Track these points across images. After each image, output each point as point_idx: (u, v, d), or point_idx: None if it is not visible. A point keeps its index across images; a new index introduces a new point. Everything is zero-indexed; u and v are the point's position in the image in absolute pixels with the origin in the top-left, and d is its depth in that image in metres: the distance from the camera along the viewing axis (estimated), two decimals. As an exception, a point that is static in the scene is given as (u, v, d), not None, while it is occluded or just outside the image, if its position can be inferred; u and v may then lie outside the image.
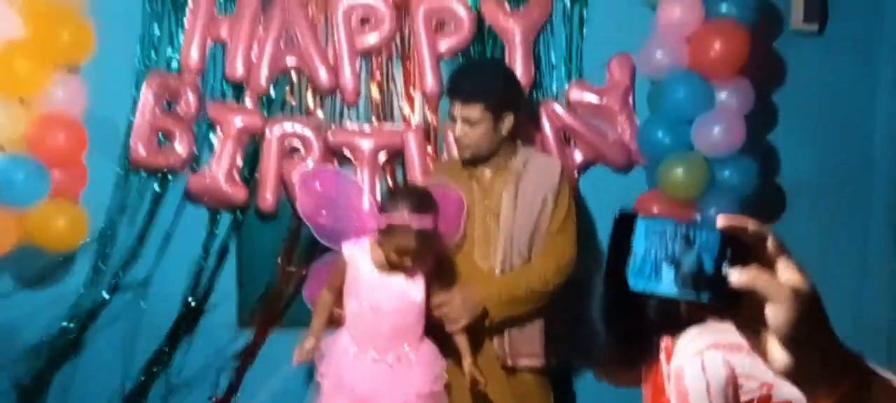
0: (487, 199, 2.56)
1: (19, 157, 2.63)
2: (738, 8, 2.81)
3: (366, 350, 2.32)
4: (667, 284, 0.69)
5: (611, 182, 3.07)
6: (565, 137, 3.02)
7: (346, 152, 2.92)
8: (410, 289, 2.33)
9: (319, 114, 2.97)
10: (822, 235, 3.20)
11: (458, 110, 2.50)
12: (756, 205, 3.05)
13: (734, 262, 0.68)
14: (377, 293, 2.33)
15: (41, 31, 2.64)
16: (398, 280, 2.33)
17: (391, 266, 2.30)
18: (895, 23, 3.16)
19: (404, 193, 2.44)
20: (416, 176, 2.89)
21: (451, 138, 2.81)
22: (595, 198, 3.04)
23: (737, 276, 0.67)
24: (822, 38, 3.13)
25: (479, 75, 2.61)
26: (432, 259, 2.39)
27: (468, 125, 2.49)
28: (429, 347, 2.40)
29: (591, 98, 3.01)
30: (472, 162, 2.58)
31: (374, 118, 2.98)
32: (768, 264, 0.69)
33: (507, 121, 2.53)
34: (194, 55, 2.88)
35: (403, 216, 2.22)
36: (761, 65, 2.98)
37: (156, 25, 2.91)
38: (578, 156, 3.03)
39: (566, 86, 3.02)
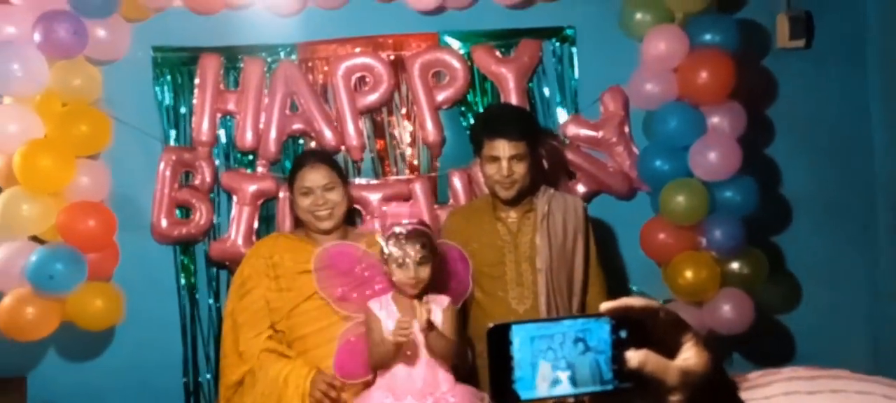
0: (518, 242, 2.60)
1: (57, 248, 2.76)
2: (722, 35, 2.88)
3: (403, 397, 2.41)
4: (564, 386, 0.66)
5: (617, 209, 3.15)
6: (568, 171, 3.11)
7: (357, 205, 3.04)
8: (416, 329, 2.37)
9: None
10: (830, 246, 3.24)
11: (504, 149, 2.51)
12: (764, 221, 3.09)
13: (631, 344, 0.66)
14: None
15: (61, 128, 2.79)
16: (415, 324, 2.36)
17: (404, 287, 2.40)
18: (879, 29, 3.20)
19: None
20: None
21: (481, 180, 2.81)
22: (603, 226, 3.11)
23: (630, 359, 0.66)
24: (811, 52, 3.19)
25: (514, 113, 2.68)
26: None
27: (516, 161, 2.52)
28: (464, 389, 2.46)
29: (587, 132, 3.10)
30: (513, 201, 2.59)
31: (380, 171, 3.10)
32: (671, 341, 0.67)
33: (539, 155, 2.61)
34: (205, 128, 3.02)
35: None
36: (752, 85, 3.04)
37: (168, 105, 3.07)
38: (581, 188, 3.11)
39: (563, 123, 3.11)
